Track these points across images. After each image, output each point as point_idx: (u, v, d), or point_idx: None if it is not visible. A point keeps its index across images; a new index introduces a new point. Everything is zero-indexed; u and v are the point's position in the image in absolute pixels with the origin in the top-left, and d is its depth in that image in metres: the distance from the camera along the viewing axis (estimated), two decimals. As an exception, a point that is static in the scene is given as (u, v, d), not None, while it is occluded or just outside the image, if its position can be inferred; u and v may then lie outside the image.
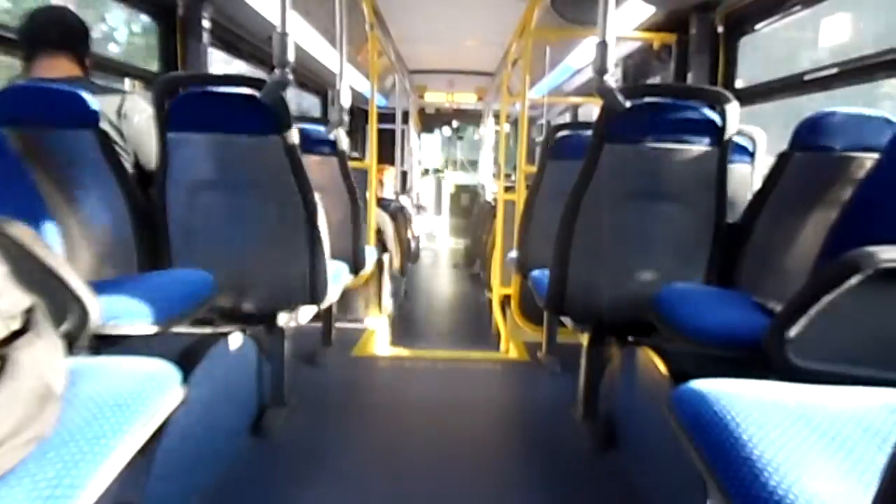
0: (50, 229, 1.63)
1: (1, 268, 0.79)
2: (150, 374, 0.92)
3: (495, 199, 4.72)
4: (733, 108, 1.79)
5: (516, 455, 2.05)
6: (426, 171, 10.24)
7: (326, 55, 4.81)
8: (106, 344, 1.50)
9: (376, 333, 3.51)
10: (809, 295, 1.10)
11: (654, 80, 3.90)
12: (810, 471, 0.74)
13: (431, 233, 9.90)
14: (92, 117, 1.72)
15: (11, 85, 1.78)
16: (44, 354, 0.76)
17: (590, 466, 1.95)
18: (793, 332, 1.14)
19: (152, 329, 1.44)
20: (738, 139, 2.65)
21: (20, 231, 0.97)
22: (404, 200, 5.66)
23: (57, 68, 1.90)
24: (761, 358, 1.24)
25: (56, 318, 1.08)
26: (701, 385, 0.95)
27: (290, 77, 1.75)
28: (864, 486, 0.72)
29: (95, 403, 0.83)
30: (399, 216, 5.06)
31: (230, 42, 3.78)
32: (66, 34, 1.93)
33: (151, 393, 0.90)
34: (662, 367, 1.67)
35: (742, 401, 0.88)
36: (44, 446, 0.74)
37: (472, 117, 9.97)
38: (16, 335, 0.75)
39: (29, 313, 0.79)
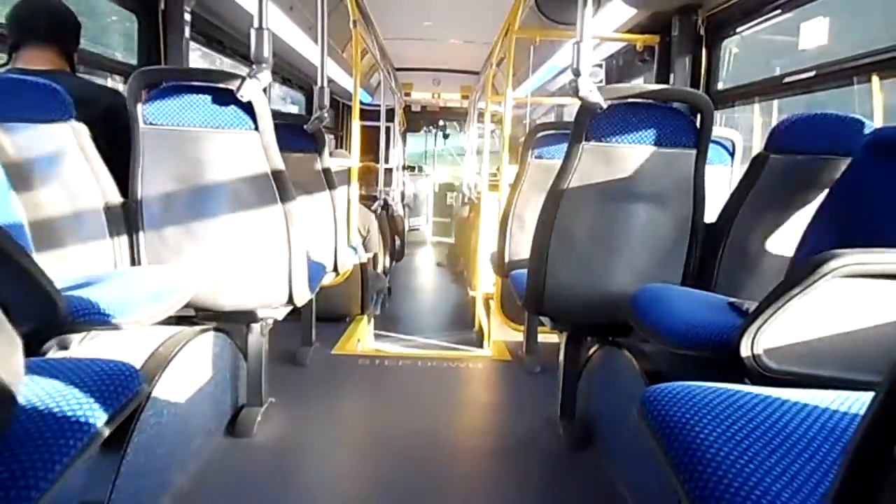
0: (19, 224, 1.61)
1: None
2: (111, 373, 0.90)
3: (478, 198, 4.72)
4: (710, 110, 1.80)
5: (495, 453, 2.05)
6: (411, 170, 10.22)
7: (310, 51, 4.78)
8: (76, 341, 1.48)
9: (358, 332, 3.50)
10: (779, 297, 1.11)
11: (637, 81, 3.92)
12: (773, 473, 0.75)
13: (420, 229, 9.91)
14: (67, 112, 1.69)
15: None
16: None
17: (566, 465, 1.95)
18: (763, 334, 1.15)
19: (124, 326, 1.42)
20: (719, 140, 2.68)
21: None
22: (389, 198, 5.65)
23: (41, 60, 1.87)
24: (734, 360, 1.25)
25: (23, 314, 1.06)
26: (670, 387, 0.95)
27: (269, 73, 1.73)
28: (826, 488, 0.72)
29: (55, 402, 0.82)
30: (383, 214, 5.04)
31: (212, 36, 3.74)
32: (54, 26, 1.90)
33: (112, 391, 0.88)
34: (638, 368, 1.68)
35: (709, 403, 0.89)
36: None
37: (457, 116, 9.97)
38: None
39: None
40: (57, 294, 1.23)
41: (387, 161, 5.92)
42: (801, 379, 1.13)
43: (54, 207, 1.77)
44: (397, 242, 6.12)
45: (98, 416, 0.84)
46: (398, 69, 7.34)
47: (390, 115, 6.29)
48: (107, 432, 0.85)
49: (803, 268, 1.06)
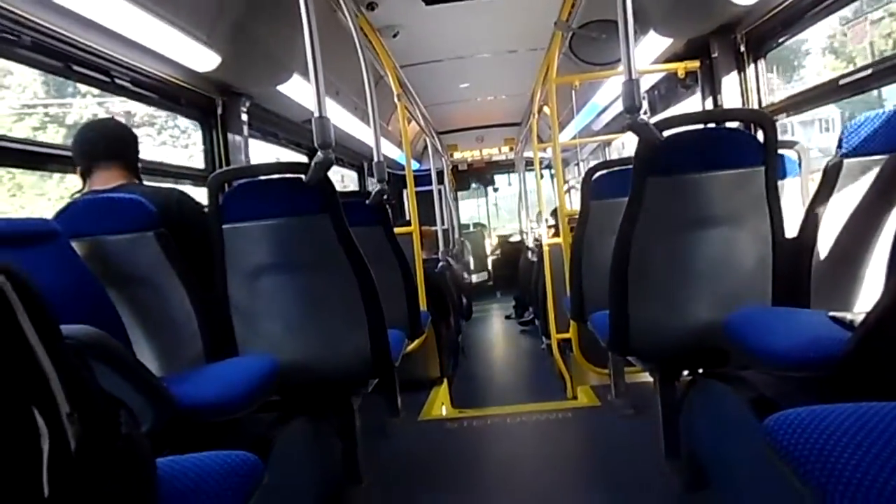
0: (121, 331, 1.70)
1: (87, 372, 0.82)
2: (234, 466, 0.93)
3: (538, 246, 4.71)
4: (772, 124, 1.77)
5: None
6: (467, 227, 10.32)
7: (358, 130, 4.98)
8: (182, 437, 1.54)
9: (440, 395, 3.48)
10: (889, 304, 1.05)
11: (682, 106, 3.90)
12: None
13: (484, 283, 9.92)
14: (150, 219, 1.80)
15: (73, 201, 1.89)
16: (134, 456, 0.78)
17: None
18: (878, 343, 1.09)
19: (224, 418, 1.46)
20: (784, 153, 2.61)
21: (95, 336, 1.01)
22: (450, 258, 5.70)
23: (110, 178, 1.98)
24: (849, 376, 1.18)
25: (140, 415, 1.12)
26: (795, 413, 0.90)
27: (333, 157, 1.81)
28: None
29: (188, 500, 0.85)
30: (447, 275, 5.08)
31: (267, 130, 3.96)
32: (114, 144, 2.03)
33: (241, 482, 0.91)
34: (742, 398, 1.60)
35: (841, 425, 0.84)
36: None
37: (505, 167, 10.08)
38: (105, 438, 0.77)
39: (115, 415, 0.82)
40: (167, 392, 1.29)
41: (443, 222, 6.01)
42: None
43: (148, 310, 1.87)
44: (464, 301, 6.14)
45: None
46: (441, 132, 7.53)
47: (440, 177, 6.43)
48: None
49: None
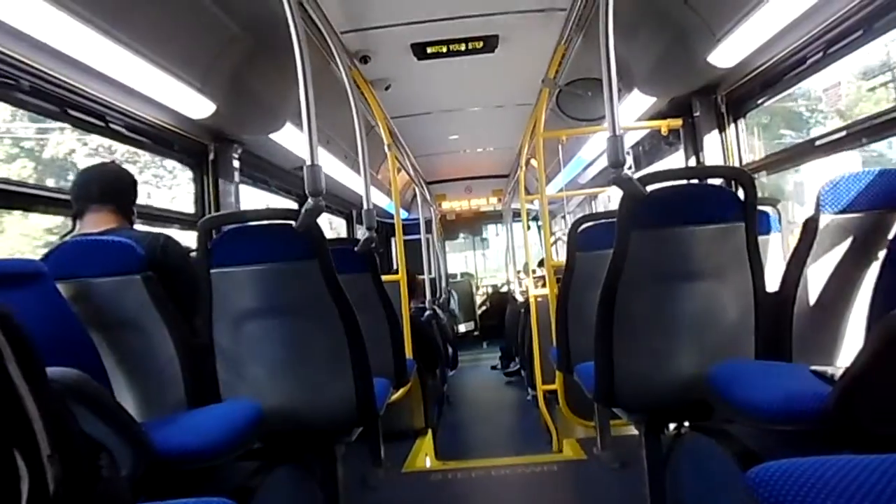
0: (102, 374, 1.67)
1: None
2: None
3: (525, 296, 4.73)
4: (751, 182, 1.82)
5: None
6: (455, 276, 10.33)
7: (348, 178, 5.04)
8: (162, 483, 1.50)
9: (425, 446, 3.43)
10: (867, 359, 1.07)
11: (665, 162, 4.00)
12: None
13: (470, 334, 9.88)
14: (138, 262, 1.80)
15: (62, 243, 1.89)
16: (113, 501, 0.77)
17: None
18: (858, 398, 1.10)
19: (206, 464, 1.44)
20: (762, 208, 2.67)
21: (77, 378, 1.00)
22: (437, 308, 5.69)
23: (100, 221, 1.99)
24: (830, 429, 1.19)
25: (120, 460, 1.10)
26: (779, 466, 0.90)
27: (323, 204, 1.83)
28: None
29: None
30: (434, 324, 5.06)
31: (258, 177, 3.99)
32: (108, 188, 2.03)
33: None
34: (727, 451, 1.60)
35: (822, 477, 0.84)
36: None
37: (492, 218, 10.18)
38: (85, 481, 0.76)
39: (95, 459, 0.81)
40: (146, 437, 1.27)
41: (430, 271, 6.02)
42: None
43: (132, 353, 1.85)
44: (450, 350, 6.10)
45: None
46: (430, 182, 7.61)
47: (428, 226, 6.47)
48: None
49: (885, 324, 1.03)
